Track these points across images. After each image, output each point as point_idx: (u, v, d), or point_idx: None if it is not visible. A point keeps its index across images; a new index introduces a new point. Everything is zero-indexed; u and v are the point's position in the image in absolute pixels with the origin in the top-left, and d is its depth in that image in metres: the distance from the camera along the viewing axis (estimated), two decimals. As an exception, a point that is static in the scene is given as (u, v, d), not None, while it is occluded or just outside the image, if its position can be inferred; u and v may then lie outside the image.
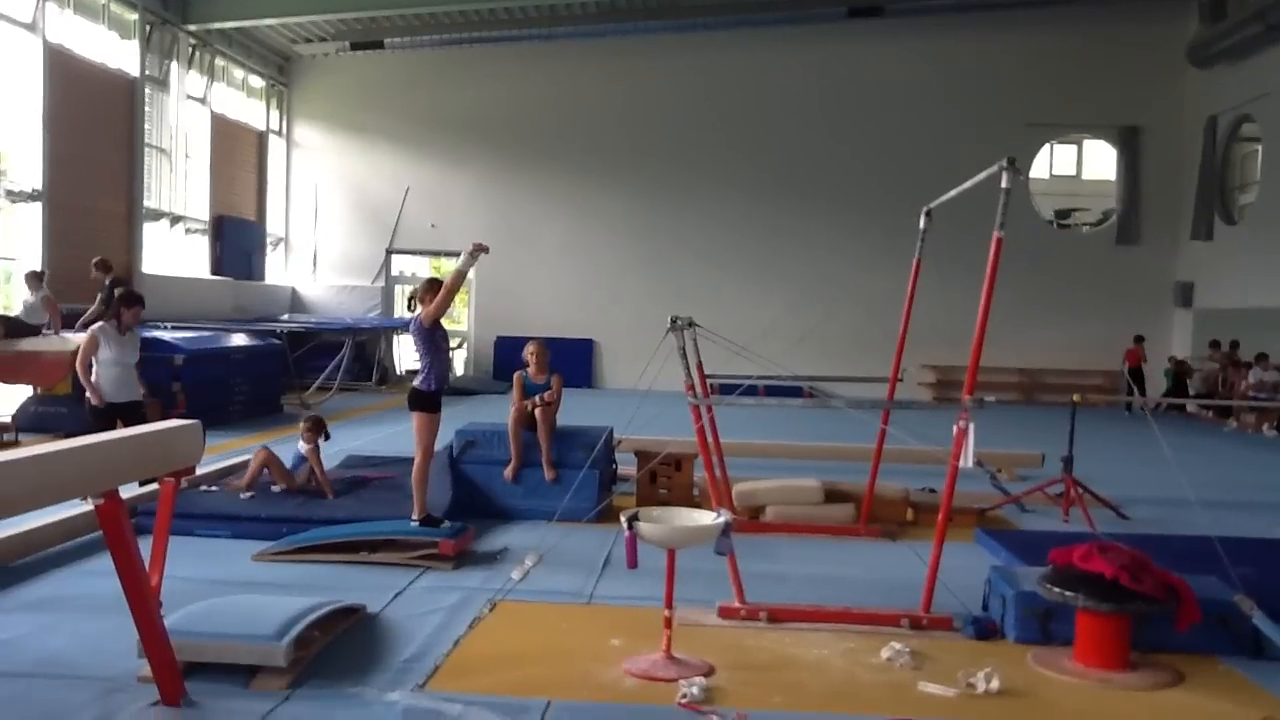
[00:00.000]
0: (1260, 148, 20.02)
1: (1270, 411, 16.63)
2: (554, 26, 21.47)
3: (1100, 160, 26.64)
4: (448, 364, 6.77)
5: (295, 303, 22.73)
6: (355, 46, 21.83)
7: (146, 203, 17.91)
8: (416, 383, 6.73)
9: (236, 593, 5.25)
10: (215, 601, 4.77)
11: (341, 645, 4.77)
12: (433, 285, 6.68)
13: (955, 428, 5.22)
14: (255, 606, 4.72)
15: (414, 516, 6.58)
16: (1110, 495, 8.78)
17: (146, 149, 17.90)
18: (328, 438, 8.26)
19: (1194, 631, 4.86)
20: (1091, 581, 4.73)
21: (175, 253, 19.08)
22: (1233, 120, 20.43)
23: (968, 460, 5.23)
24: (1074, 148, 28.96)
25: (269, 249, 22.67)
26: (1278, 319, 16.75)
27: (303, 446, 7.99)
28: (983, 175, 5.68)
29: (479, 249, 6.34)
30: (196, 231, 19.82)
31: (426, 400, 6.65)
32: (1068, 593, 4.77)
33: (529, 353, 8.26)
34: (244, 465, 8.26)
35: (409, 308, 6.98)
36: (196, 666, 4.26)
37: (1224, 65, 20.06)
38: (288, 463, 7.99)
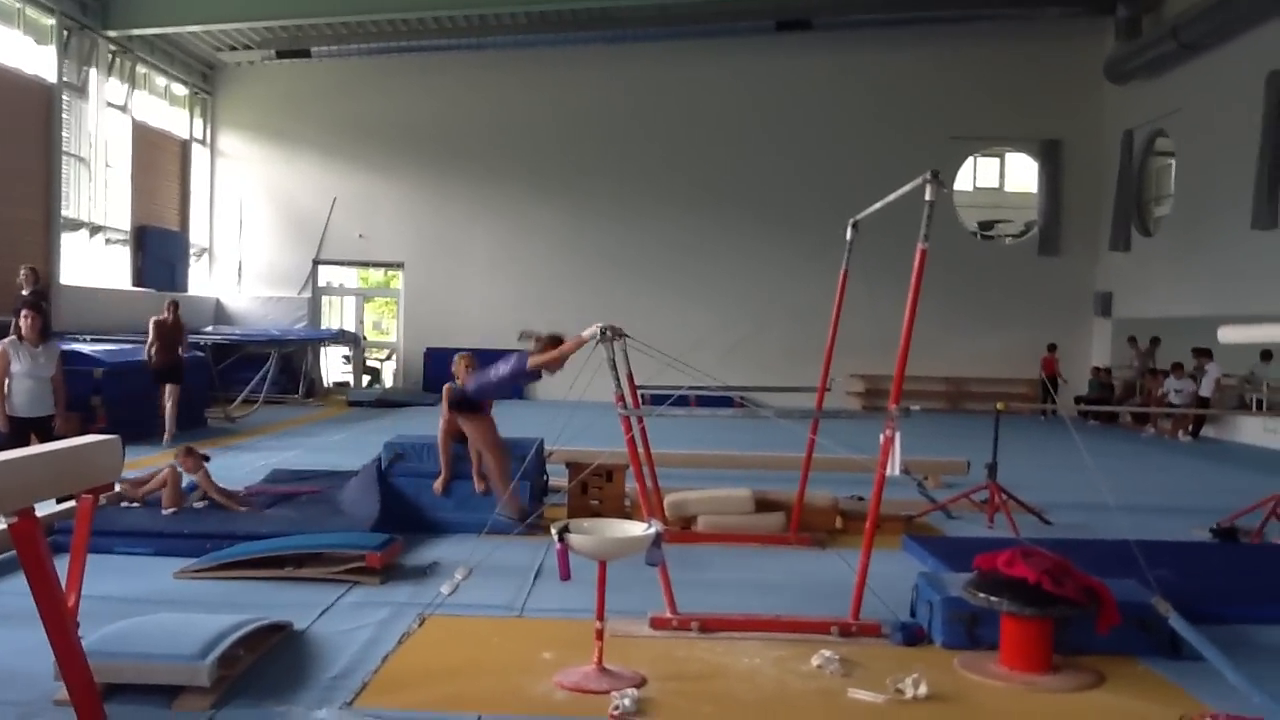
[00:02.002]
0: (1174, 162, 20.63)
1: (1185, 418, 17.11)
2: (484, 36, 21.43)
3: (1022, 173, 27.26)
4: (490, 392, 6.94)
5: (220, 314, 22.33)
6: (281, 55, 21.57)
7: (65, 212, 17.50)
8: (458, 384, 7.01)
9: (158, 611, 5.12)
10: (136, 621, 4.66)
11: (267, 663, 4.68)
12: (554, 342, 6.64)
13: (882, 436, 5.29)
14: (177, 625, 4.61)
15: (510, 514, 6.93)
16: (1034, 501, 8.95)
17: (65, 157, 17.48)
18: (207, 458, 8.10)
19: (1114, 634, 4.96)
20: (1015, 586, 4.81)
21: (95, 263, 18.65)
22: (1148, 135, 21.01)
23: (895, 468, 5.30)
24: (997, 161, 29.61)
25: (193, 260, 22.26)
26: (1192, 328, 17.22)
27: (191, 476, 7.81)
28: (907, 188, 5.76)
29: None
30: (117, 242, 19.40)
31: (467, 400, 6.83)
32: (992, 598, 4.85)
33: (458, 364, 8.22)
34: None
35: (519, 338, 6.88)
36: (117, 688, 4.16)
37: (1140, 81, 20.63)
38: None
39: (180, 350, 13.04)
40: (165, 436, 12.36)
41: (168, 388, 12.74)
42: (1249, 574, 6.87)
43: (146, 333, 12.98)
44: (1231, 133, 17.45)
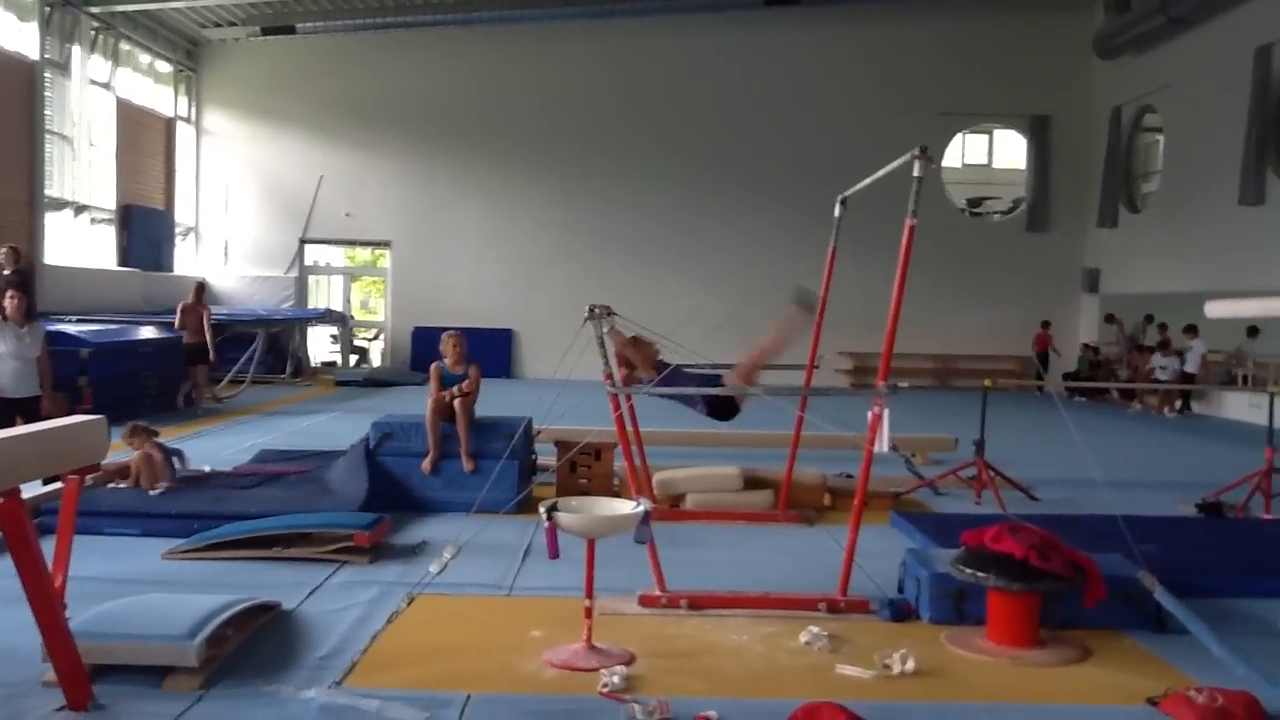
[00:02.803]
0: (1162, 138, 20.63)
1: (1171, 394, 17.18)
2: (470, 11, 21.27)
3: (1011, 149, 27.24)
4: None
5: (206, 294, 22.17)
6: (266, 31, 21.40)
7: (49, 191, 17.35)
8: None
9: (147, 592, 5.11)
10: (125, 601, 4.65)
11: (256, 643, 4.68)
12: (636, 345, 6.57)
13: (870, 413, 5.30)
14: (166, 605, 4.61)
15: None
16: (1021, 477, 8.99)
17: (48, 136, 17.32)
18: (156, 434, 8.04)
19: (1100, 608, 4.99)
20: (1002, 562, 4.83)
21: (80, 243, 18.51)
22: (1136, 111, 21.01)
23: (883, 445, 5.30)
24: (985, 137, 29.56)
25: (178, 239, 22.12)
26: (1179, 304, 17.26)
27: (138, 452, 7.72)
28: (895, 164, 5.75)
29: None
30: (102, 221, 19.26)
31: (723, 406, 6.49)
32: (979, 573, 4.87)
33: (446, 343, 8.20)
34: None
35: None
36: (106, 668, 4.15)
37: (1128, 56, 20.61)
38: None
39: (203, 331, 14.23)
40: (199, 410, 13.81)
41: (193, 368, 14.17)
42: (1234, 548, 6.92)
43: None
44: (1220, 108, 17.45)
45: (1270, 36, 16.26)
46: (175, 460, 7.92)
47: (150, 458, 7.65)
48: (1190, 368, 16.83)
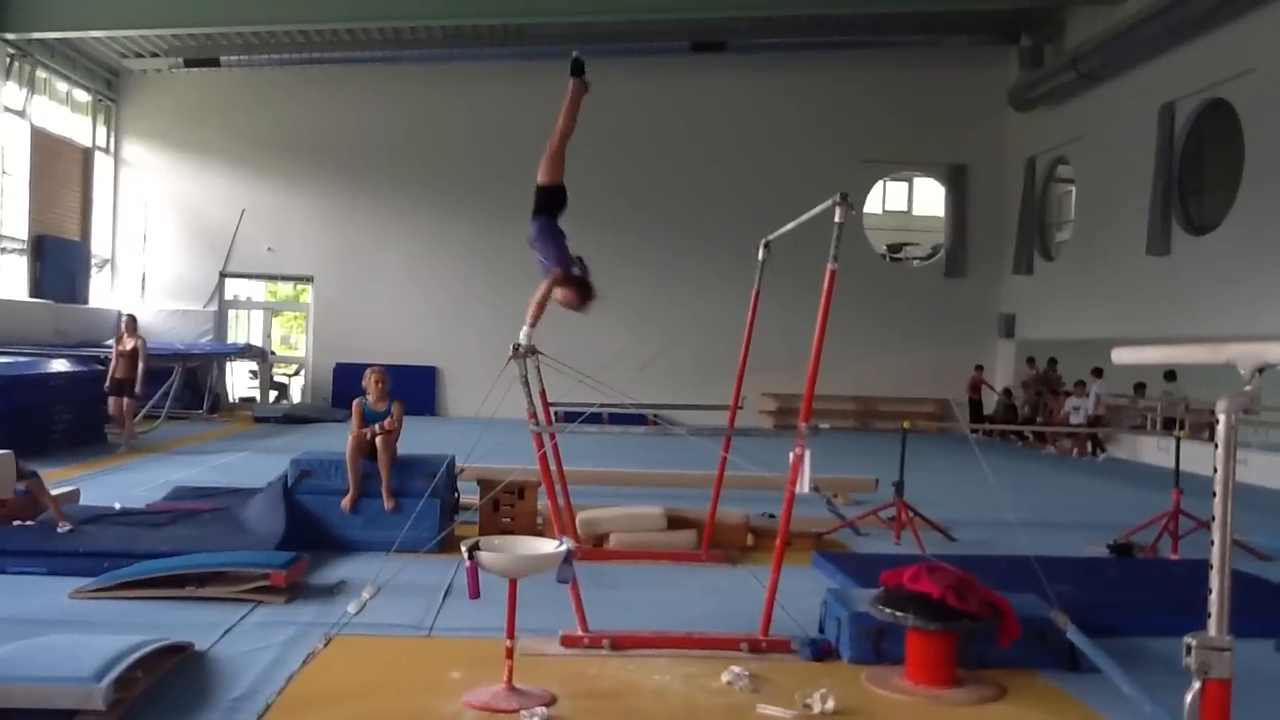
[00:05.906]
0: (1074, 188, 21.29)
1: (1083, 436, 17.62)
2: (399, 49, 21.25)
3: (930, 197, 27.87)
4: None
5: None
6: (190, 63, 21.14)
7: (-43, 220, 16.89)
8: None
9: (52, 633, 4.95)
10: (28, 642, 4.50)
11: (167, 685, 4.55)
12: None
13: (792, 454, 5.36)
14: (72, 646, 4.47)
15: None
16: (939, 518, 9.12)
17: (-42, 163, 16.90)
18: (35, 474, 7.81)
19: (1015, 647, 5.08)
20: (920, 602, 4.90)
21: (-11, 273, 18.04)
22: (1050, 162, 21.66)
23: (804, 486, 5.36)
24: (905, 185, 30.23)
25: (94, 271, 21.64)
26: (1091, 349, 17.73)
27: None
28: (817, 210, 5.86)
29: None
30: (14, 251, 18.78)
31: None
32: (898, 613, 4.94)
33: (369, 380, 8.13)
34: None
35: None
36: (7, 713, 4.00)
37: (1042, 109, 21.26)
38: None
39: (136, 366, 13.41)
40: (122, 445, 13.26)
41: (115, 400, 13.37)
42: (1143, 587, 7.09)
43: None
44: (1128, 161, 18.06)
45: (1173, 94, 16.92)
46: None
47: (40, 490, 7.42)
48: (1091, 410, 17.28)
